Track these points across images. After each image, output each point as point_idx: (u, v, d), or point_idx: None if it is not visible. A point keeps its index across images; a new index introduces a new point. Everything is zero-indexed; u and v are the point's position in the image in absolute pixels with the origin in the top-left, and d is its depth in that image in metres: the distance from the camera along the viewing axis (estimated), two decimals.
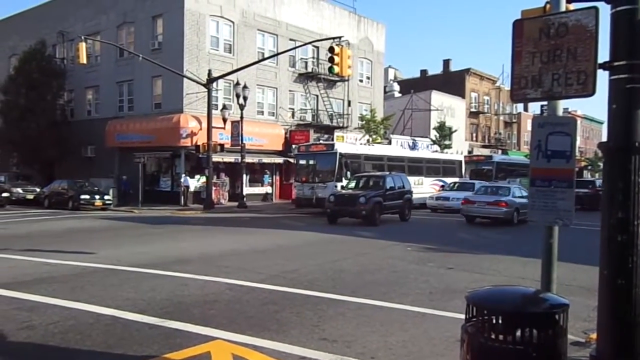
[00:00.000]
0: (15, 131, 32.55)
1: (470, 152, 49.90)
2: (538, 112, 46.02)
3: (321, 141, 28.20)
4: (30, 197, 29.40)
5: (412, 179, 25.33)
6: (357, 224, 19.05)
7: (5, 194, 27.85)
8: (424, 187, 29.27)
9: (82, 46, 23.47)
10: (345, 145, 26.74)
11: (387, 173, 22.79)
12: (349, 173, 24.04)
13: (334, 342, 5.56)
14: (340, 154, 24.19)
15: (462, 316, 3.24)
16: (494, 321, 2.98)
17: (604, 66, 3.57)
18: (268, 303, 7.27)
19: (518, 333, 2.90)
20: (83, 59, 23.82)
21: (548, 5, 5.11)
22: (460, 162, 34.94)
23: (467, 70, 57.16)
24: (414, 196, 23.13)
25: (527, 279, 8.63)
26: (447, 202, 25.93)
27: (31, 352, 5.30)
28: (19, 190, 29.77)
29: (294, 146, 29.93)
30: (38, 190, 29.69)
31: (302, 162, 26.32)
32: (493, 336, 2.95)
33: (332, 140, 34.67)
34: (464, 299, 3.22)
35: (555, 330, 2.96)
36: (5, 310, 6.65)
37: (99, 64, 33.86)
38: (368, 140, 37.00)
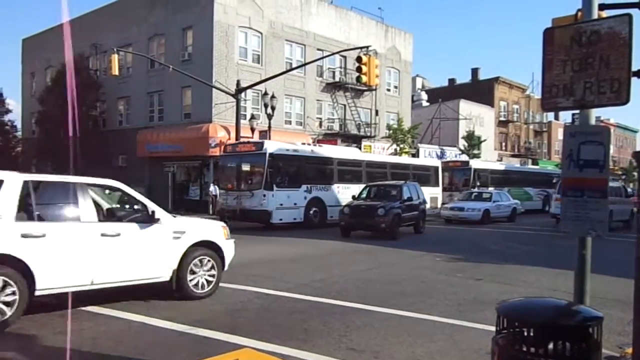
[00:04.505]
0: (51, 141, 33.45)
1: (499, 160, 49.26)
2: (569, 120, 45.22)
3: (250, 140, 23.69)
4: None
5: None
6: (375, 236, 17.89)
7: None
8: None
9: (115, 58, 24.03)
10: (278, 144, 21.68)
11: (403, 182, 20.71)
12: (287, 179, 20.71)
13: (361, 353, 5.53)
14: (271, 154, 19.96)
15: (492, 328, 3.19)
16: (526, 333, 2.92)
17: (638, 74, 3.51)
18: (295, 312, 7.28)
19: (550, 346, 2.84)
20: (115, 71, 24.38)
21: (580, 13, 5.04)
22: (437, 168, 30.24)
23: (496, 79, 56.58)
24: None
25: (558, 290, 8.45)
26: (462, 212, 25.04)
27: (64, 357, 5.40)
28: None
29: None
30: None
31: (229, 164, 22.00)
32: (524, 349, 2.89)
33: (360, 148, 34.68)
34: (494, 310, 3.18)
35: (589, 343, 2.89)
36: (39, 316, 6.80)
37: (131, 75, 34.60)
38: (395, 150, 36.89)
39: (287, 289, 8.70)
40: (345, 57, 34.41)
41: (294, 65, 31.28)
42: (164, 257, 7.66)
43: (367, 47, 22.94)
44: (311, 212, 21.48)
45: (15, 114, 50.24)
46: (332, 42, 34.64)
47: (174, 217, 8.13)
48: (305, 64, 30.39)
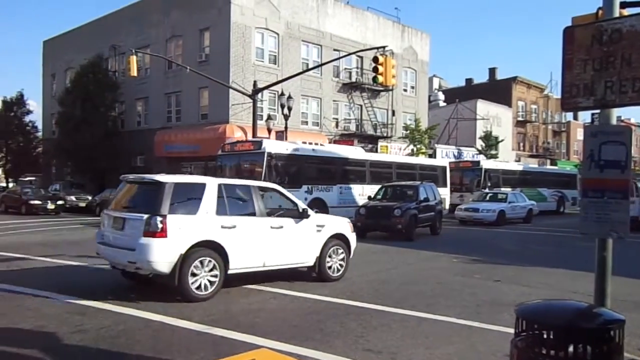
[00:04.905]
0: (70, 141, 33.90)
1: (517, 160, 48.77)
2: (588, 120, 44.61)
3: (249, 139, 22.96)
4: (83, 204, 30.58)
5: (374, 189, 20.91)
6: (391, 237, 17.70)
7: (60, 202, 29.02)
8: None
9: (133, 59, 24.25)
10: (278, 143, 21.30)
11: (419, 182, 20.41)
12: (286, 179, 19.29)
13: (378, 354, 5.51)
14: (269, 154, 19.16)
15: (511, 330, 3.16)
16: (545, 336, 2.89)
17: None
18: (312, 312, 7.29)
19: (570, 349, 2.80)
20: (134, 72, 24.59)
21: (600, 12, 4.97)
22: (445, 168, 28.90)
23: (514, 79, 56.04)
24: None
25: (578, 293, 8.34)
26: (477, 213, 24.60)
27: (82, 354, 5.47)
28: (73, 198, 31.06)
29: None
30: (90, 198, 30.84)
31: (227, 164, 20.85)
32: (544, 351, 2.86)
33: (377, 149, 34.56)
34: (512, 312, 3.15)
35: (610, 347, 2.84)
36: (59, 314, 6.90)
37: (149, 76, 34.92)
38: (412, 150, 36.72)
39: (303, 290, 8.71)
40: (361, 57, 34.36)
41: (310, 66, 31.29)
42: (312, 246, 9.45)
43: (384, 47, 22.82)
44: None
45: (36, 115, 51.06)
46: (349, 42, 34.61)
47: (316, 213, 10.04)
48: (322, 64, 30.38)
